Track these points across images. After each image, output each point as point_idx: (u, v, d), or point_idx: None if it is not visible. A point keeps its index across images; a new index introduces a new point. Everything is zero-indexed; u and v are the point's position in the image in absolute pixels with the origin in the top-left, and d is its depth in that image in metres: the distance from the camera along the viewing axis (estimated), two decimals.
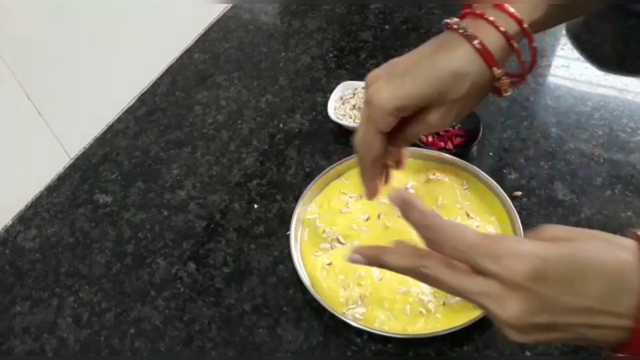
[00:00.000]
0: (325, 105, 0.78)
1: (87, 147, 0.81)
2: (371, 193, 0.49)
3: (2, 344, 0.59)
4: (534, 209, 0.64)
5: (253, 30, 0.99)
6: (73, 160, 0.79)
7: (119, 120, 0.84)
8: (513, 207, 0.60)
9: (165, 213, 0.70)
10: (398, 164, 0.53)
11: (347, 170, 0.69)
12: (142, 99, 0.87)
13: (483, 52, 0.39)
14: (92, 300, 0.62)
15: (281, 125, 0.80)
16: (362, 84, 0.80)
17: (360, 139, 0.45)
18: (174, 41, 0.95)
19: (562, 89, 0.80)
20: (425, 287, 0.57)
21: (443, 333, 0.53)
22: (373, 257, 0.36)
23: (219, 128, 0.81)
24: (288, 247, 0.61)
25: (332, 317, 0.55)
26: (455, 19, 0.41)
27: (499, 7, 0.39)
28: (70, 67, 0.75)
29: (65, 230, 0.70)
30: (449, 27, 0.41)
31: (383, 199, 0.65)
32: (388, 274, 0.58)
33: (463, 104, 0.42)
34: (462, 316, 0.54)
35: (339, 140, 0.76)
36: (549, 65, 0.84)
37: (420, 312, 0.55)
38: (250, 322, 0.58)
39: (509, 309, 0.31)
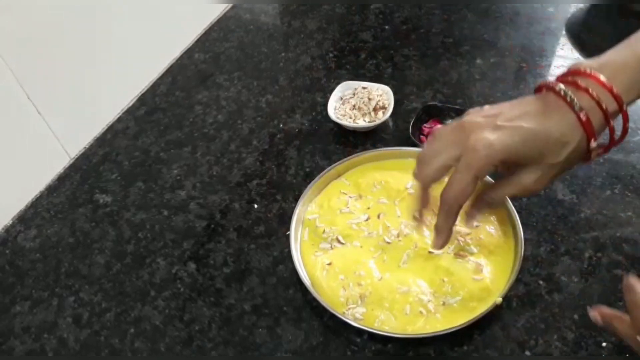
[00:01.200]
0: (325, 105, 0.78)
1: (87, 147, 0.81)
2: (442, 244, 0.49)
3: (2, 344, 0.59)
4: (534, 209, 0.64)
5: (253, 30, 0.99)
6: (73, 160, 0.79)
7: (119, 120, 0.85)
8: (513, 207, 0.60)
9: (166, 213, 0.70)
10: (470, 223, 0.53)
11: (347, 170, 0.69)
12: (142, 99, 0.88)
13: (587, 125, 0.41)
14: (92, 300, 0.62)
15: (281, 125, 0.80)
16: (362, 84, 0.80)
17: (455, 186, 0.44)
18: (174, 41, 0.95)
19: None
20: (425, 287, 0.57)
21: (443, 333, 0.53)
22: (606, 321, 0.43)
23: (219, 128, 0.81)
24: (288, 247, 0.61)
25: (332, 317, 0.55)
26: (561, 85, 0.42)
27: (603, 85, 0.40)
28: (71, 67, 0.75)
29: (66, 230, 0.70)
30: (554, 91, 0.42)
31: (383, 198, 0.65)
32: (388, 273, 0.58)
33: (558, 170, 0.43)
34: (462, 316, 0.54)
35: (339, 140, 0.76)
36: (549, 66, 0.84)
37: (420, 312, 0.55)
38: (250, 322, 0.58)
39: None
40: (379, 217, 0.63)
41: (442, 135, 0.45)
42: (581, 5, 0.94)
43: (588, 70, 0.41)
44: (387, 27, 0.95)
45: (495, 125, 0.42)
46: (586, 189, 0.66)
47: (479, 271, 0.57)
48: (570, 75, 0.42)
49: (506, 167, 0.44)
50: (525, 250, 0.57)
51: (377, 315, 0.55)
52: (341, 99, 0.79)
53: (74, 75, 0.76)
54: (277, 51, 0.93)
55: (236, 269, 0.63)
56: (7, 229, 0.71)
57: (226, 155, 0.77)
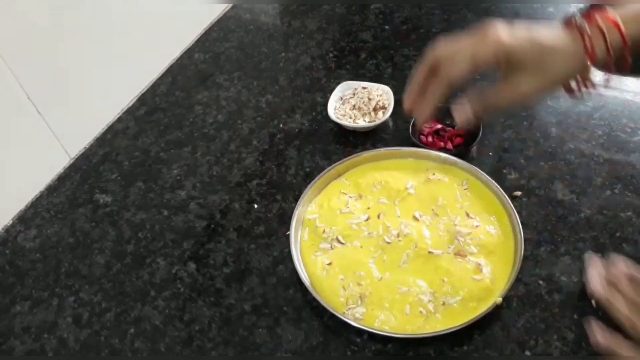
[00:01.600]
0: (325, 105, 0.78)
1: (87, 147, 0.81)
2: (422, 116, 0.51)
3: (2, 344, 0.59)
4: (534, 209, 0.64)
5: (253, 31, 0.99)
6: (73, 160, 0.79)
7: (119, 120, 0.84)
8: (513, 207, 0.60)
9: (166, 213, 0.70)
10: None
11: (347, 170, 0.69)
12: (142, 99, 0.88)
13: (588, 44, 0.45)
14: (92, 300, 0.62)
15: (281, 125, 0.80)
16: (362, 84, 0.80)
17: (451, 52, 0.47)
18: (174, 41, 0.95)
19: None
20: (425, 287, 0.57)
21: (443, 333, 0.53)
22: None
23: (219, 128, 0.81)
24: (288, 247, 0.61)
25: (332, 317, 0.55)
26: (577, 16, 0.46)
27: (615, 24, 0.45)
28: (71, 67, 0.75)
29: (66, 230, 0.70)
30: (567, 22, 0.46)
31: (383, 198, 0.65)
32: (388, 273, 0.58)
33: (551, 79, 0.47)
34: (462, 316, 0.54)
35: (339, 140, 0.76)
36: None
37: (420, 312, 0.55)
38: (250, 322, 0.58)
39: None
40: (379, 217, 0.63)
41: (463, 36, 0.47)
42: (581, 6, 0.94)
43: (615, 16, 0.45)
44: (387, 27, 0.95)
45: (512, 28, 0.46)
46: (586, 189, 0.66)
47: (479, 271, 0.57)
48: (590, 10, 0.46)
49: (508, 68, 0.46)
50: (525, 250, 0.58)
51: (377, 315, 0.55)
52: (341, 99, 0.79)
53: (74, 76, 0.76)
54: (277, 51, 0.93)
55: (236, 269, 0.63)
56: (7, 229, 0.71)
57: (226, 155, 0.77)
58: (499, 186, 0.63)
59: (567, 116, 0.75)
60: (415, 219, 0.63)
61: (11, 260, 0.67)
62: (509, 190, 0.63)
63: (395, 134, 0.75)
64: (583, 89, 0.49)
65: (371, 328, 0.54)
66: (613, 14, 0.46)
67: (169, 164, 0.76)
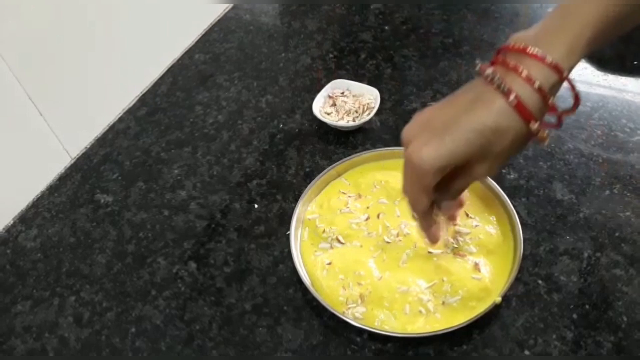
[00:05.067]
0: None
1: (88, 147, 0.81)
2: (433, 239, 0.53)
3: (3, 344, 0.60)
4: (533, 209, 0.64)
5: (253, 31, 0.99)
6: (74, 160, 0.79)
7: (119, 120, 0.85)
8: (512, 207, 0.61)
9: (166, 213, 0.70)
10: (451, 218, 0.55)
11: (347, 170, 0.69)
12: (143, 99, 0.88)
13: (519, 107, 0.38)
14: (93, 300, 0.62)
15: (281, 125, 0.80)
16: (350, 83, 0.80)
17: (407, 196, 0.45)
18: (175, 41, 0.95)
19: (560, 89, 0.80)
20: (424, 287, 0.57)
21: (442, 332, 0.53)
22: None
23: (219, 128, 0.81)
24: (288, 246, 0.61)
25: (332, 316, 0.56)
26: (489, 70, 0.39)
27: (536, 57, 0.37)
28: (71, 67, 0.75)
29: (67, 230, 0.70)
30: (485, 77, 0.40)
31: (383, 198, 0.65)
32: (388, 273, 0.58)
33: (507, 155, 0.41)
34: (462, 315, 0.54)
35: (339, 140, 0.76)
36: None
37: (420, 312, 0.55)
38: (250, 322, 0.58)
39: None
40: (378, 217, 0.63)
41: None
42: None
43: (518, 45, 0.38)
44: (387, 27, 0.95)
45: (428, 132, 0.41)
46: (585, 189, 0.66)
47: (478, 271, 0.57)
48: (502, 53, 0.39)
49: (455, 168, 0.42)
50: (524, 250, 0.58)
51: (377, 314, 0.56)
52: (330, 97, 0.79)
53: (75, 76, 0.76)
54: (277, 51, 0.93)
55: (236, 269, 0.63)
56: (8, 229, 0.71)
57: (226, 155, 0.77)
58: (498, 186, 0.63)
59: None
60: (415, 218, 0.63)
61: (12, 260, 0.68)
62: (508, 190, 0.63)
63: (395, 134, 0.75)
64: (546, 138, 0.41)
65: (371, 327, 0.54)
66: (527, 45, 0.38)
67: (169, 164, 0.77)
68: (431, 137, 0.40)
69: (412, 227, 0.62)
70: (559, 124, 0.42)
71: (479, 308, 0.54)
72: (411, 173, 0.42)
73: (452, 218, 0.56)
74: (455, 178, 0.44)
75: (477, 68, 0.41)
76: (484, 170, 0.42)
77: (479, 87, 0.40)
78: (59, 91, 0.74)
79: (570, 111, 0.41)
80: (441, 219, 0.53)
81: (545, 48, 0.38)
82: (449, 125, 0.40)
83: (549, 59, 0.37)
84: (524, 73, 0.37)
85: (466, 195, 0.52)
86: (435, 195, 0.45)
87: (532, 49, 0.38)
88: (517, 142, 0.40)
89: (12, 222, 0.72)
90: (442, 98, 0.44)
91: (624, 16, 0.38)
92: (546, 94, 0.38)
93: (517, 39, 0.39)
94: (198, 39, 0.98)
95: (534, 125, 0.39)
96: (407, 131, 0.43)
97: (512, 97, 0.38)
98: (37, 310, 0.62)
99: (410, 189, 0.44)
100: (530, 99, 0.38)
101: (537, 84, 0.37)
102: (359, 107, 0.76)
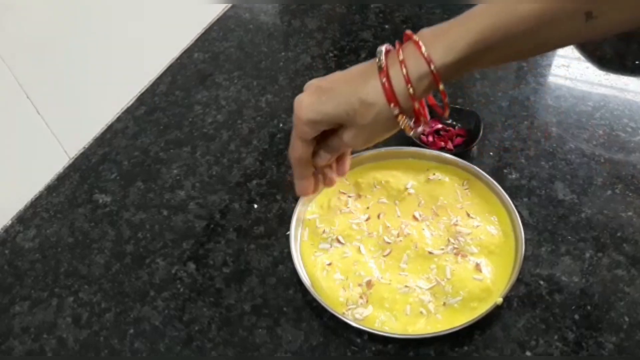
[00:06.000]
0: None
1: (86, 147, 0.81)
2: (300, 190, 0.52)
3: (1, 344, 0.59)
4: (535, 209, 0.64)
5: (253, 30, 0.98)
6: (72, 160, 0.79)
7: (118, 120, 0.84)
8: (514, 206, 0.60)
9: (165, 213, 0.70)
10: (340, 172, 0.54)
11: None
12: (142, 99, 0.87)
13: (385, 87, 0.41)
14: (92, 301, 0.62)
15: (281, 124, 0.80)
16: None
17: (290, 146, 0.48)
18: (174, 41, 0.95)
19: (562, 88, 0.80)
20: (425, 288, 0.57)
21: (443, 333, 0.53)
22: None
23: (218, 128, 0.81)
24: (288, 247, 0.61)
25: (332, 317, 0.55)
26: (380, 48, 0.42)
27: (416, 45, 0.40)
28: (70, 66, 0.75)
29: (65, 230, 0.70)
30: (376, 54, 0.42)
31: (383, 198, 0.65)
32: (388, 273, 0.58)
33: (372, 130, 0.44)
34: (462, 316, 0.54)
35: None
36: (549, 65, 0.83)
37: (421, 313, 0.55)
38: (250, 323, 0.58)
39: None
40: (379, 217, 0.63)
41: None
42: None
43: (411, 34, 0.41)
44: (387, 26, 0.95)
45: (316, 88, 0.44)
46: (587, 189, 0.66)
47: (479, 271, 0.57)
48: (404, 38, 0.42)
49: (330, 127, 0.45)
50: (525, 251, 0.57)
51: (378, 315, 0.55)
52: None
53: (73, 75, 0.75)
54: (277, 50, 0.93)
55: (236, 269, 0.63)
56: (6, 229, 0.71)
57: (226, 155, 0.76)
58: (499, 186, 0.63)
59: (567, 116, 0.75)
60: (416, 218, 0.63)
61: (10, 260, 0.67)
62: (509, 190, 0.63)
63: (395, 133, 0.75)
64: (409, 128, 0.44)
65: (371, 328, 0.54)
66: (418, 36, 0.40)
67: (168, 164, 0.76)
68: (314, 93, 0.44)
69: (412, 227, 0.61)
70: (418, 122, 0.44)
71: (480, 309, 0.54)
72: (293, 118, 0.45)
73: (329, 182, 0.54)
74: (331, 138, 0.47)
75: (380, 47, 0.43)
76: (349, 138, 0.45)
77: (370, 64, 0.43)
78: (57, 90, 0.74)
79: (437, 117, 0.44)
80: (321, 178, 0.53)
81: (426, 40, 0.40)
82: (331, 88, 0.44)
83: (423, 49, 0.40)
84: (401, 57, 0.41)
85: (347, 169, 0.53)
86: (318, 148, 0.48)
87: (416, 37, 0.40)
88: (381, 122, 0.43)
89: (10, 222, 0.72)
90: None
91: (512, 35, 0.39)
92: (410, 81, 0.40)
93: (421, 30, 0.42)
94: (197, 38, 0.98)
95: (395, 110, 0.42)
96: (307, 84, 0.46)
97: (383, 76, 0.41)
98: (36, 311, 0.62)
99: (292, 139, 0.47)
100: (399, 84, 0.41)
101: (404, 70, 0.40)
102: None
